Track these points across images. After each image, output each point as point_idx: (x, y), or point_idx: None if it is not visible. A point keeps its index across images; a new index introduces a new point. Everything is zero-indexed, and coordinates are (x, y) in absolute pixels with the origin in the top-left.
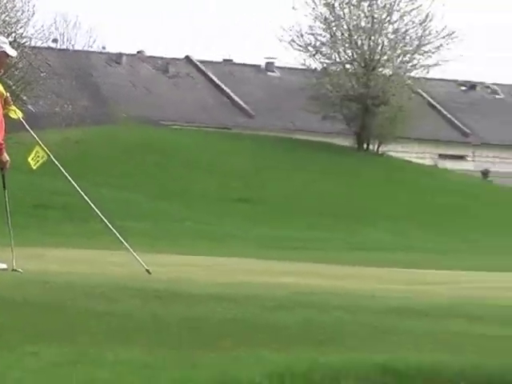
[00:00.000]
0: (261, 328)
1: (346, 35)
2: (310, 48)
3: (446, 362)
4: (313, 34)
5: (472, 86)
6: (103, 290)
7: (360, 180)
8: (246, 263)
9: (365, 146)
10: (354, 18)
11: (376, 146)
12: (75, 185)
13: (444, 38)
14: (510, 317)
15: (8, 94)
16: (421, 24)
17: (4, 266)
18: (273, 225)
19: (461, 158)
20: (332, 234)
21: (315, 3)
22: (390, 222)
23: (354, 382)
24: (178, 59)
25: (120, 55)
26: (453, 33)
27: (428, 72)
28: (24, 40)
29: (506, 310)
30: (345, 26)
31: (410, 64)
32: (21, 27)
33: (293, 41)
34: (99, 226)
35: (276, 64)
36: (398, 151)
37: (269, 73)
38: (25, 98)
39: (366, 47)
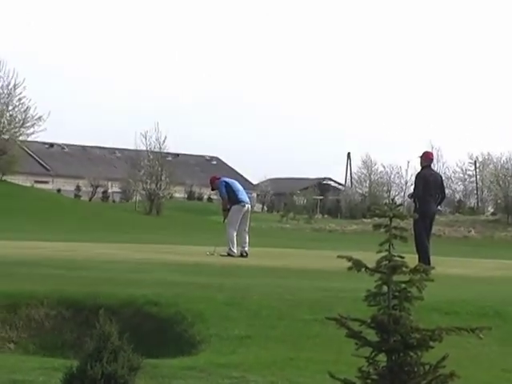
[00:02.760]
0: None
1: None
2: None
3: (39, 291)
4: None
5: (52, 144)
6: None
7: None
8: None
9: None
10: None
11: (1, 176)
12: None
13: (36, 120)
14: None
15: None
16: (24, 112)
17: None
18: None
19: (46, 182)
20: None
21: None
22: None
23: None
24: None
25: None
26: (40, 117)
27: (28, 137)
28: None
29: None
30: None
31: (19, 133)
32: None
33: None
34: None
35: None
36: (12, 179)
37: None
38: None
39: None
